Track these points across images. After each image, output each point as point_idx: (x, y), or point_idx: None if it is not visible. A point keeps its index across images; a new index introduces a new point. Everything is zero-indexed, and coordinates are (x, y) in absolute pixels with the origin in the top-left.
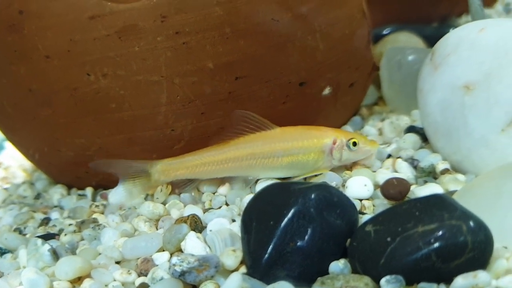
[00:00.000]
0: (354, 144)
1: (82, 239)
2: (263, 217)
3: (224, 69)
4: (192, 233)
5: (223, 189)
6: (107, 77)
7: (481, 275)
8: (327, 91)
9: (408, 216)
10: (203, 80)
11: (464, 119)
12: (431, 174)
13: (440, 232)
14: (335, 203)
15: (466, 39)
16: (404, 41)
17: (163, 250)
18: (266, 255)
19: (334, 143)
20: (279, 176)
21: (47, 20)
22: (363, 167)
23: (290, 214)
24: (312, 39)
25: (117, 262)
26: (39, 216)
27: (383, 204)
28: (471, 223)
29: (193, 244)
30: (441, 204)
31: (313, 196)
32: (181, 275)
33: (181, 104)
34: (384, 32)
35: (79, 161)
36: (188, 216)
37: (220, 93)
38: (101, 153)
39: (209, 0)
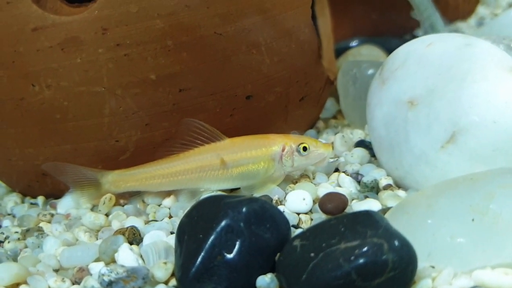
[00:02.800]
0: (305, 149)
1: (26, 247)
2: (194, 230)
3: (167, 81)
4: (125, 244)
5: (167, 201)
6: (51, 88)
7: None
8: None
9: (333, 232)
10: (146, 91)
11: (406, 135)
12: (374, 190)
13: (361, 250)
14: (266, 217)
15: (414, 54)
16: (366, 55)
17: (100, 260)
18: (194, 268)
19: (283, 150)
20: (231, 187)
21: None
22: (308, 181)
23: (218, 228)
24: (257, 53)
25: (56, 270)
26: None
27: (321, 218)
28: (393, 241)
29: (125, 256)
30: (366, 221)
31: (243, 210)
32: (109, 285)
33: (124, 115)
34: (352, 44)
35: (29, 170)
36: (127, 228)
37: (164, 105)
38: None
39: (150, 13)
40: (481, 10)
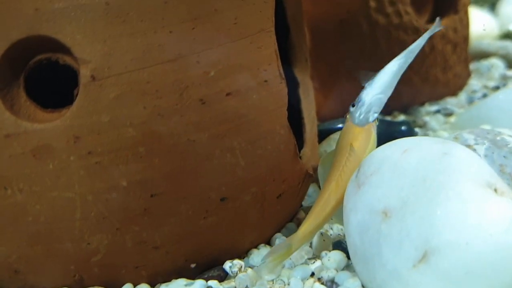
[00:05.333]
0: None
1: None
2: None
3: (138, 187)
4: None
5: None
6: (23, 192)
7: None
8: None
9: None
10: (117, 197)
11: (379, 248)
12: None
13: None
14: None
15: (389, 160)
16: None
17: None
18: None
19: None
20: None
21: None
22: None
23: None
24: (231, 156)
25: None
26: None
27: None
28: None
29: None
30: None
31: None
32: None
33: (95, 219)
34: (338, 126)
35: (2, 267)
36: None
37: (135, 210)
38: (21, 261)
39: (122, 121)
40: (473, 82)
